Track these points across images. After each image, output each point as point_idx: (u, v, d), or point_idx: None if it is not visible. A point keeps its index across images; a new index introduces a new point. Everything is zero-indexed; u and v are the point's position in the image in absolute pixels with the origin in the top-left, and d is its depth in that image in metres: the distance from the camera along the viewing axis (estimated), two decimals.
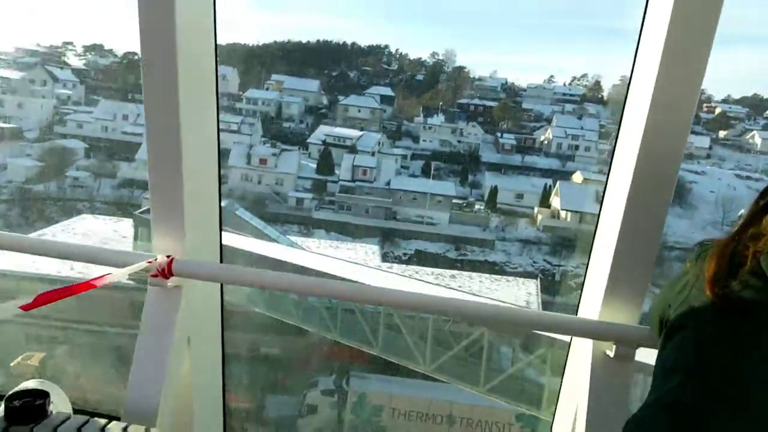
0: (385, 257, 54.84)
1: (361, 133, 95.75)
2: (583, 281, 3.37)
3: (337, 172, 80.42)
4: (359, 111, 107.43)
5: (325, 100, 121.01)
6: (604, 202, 3.34)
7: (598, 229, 3.28)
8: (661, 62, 2.45)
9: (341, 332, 27.59)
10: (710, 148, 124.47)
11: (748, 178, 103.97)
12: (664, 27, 2.46)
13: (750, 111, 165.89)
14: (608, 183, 3.32)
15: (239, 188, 75.99)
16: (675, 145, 2.58)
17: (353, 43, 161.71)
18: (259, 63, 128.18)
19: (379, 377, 31.20)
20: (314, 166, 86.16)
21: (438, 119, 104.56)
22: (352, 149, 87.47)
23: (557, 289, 64.88)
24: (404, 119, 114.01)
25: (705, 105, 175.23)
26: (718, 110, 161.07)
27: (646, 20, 2.70)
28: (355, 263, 38.07)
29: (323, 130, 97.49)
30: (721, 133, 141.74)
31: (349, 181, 76.90)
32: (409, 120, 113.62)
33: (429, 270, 40.85)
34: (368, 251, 44.32)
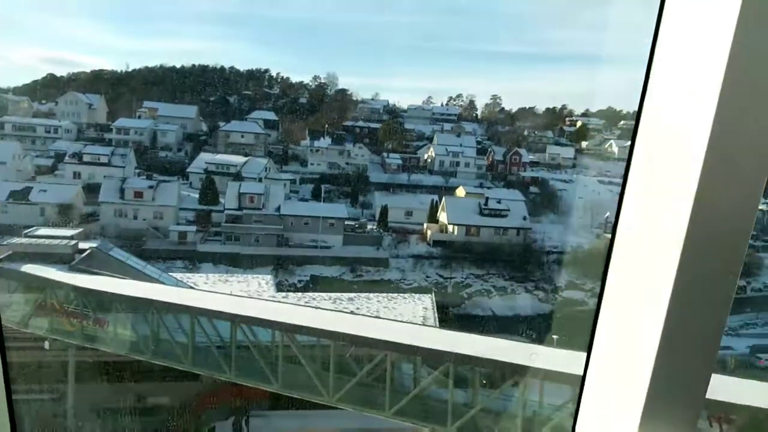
0: (279, 286, 53.26)
1: (245, 159, 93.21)
2: (579, 398, 2.27)
3: (221, 200, 78.51)
4: (242, 136, 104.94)
5: (204, 127, 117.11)
6: (608, 286, 2.13)
7: (600, 320, 2.12)
8: (721, 95, 1.64)
9: (237, 372, 26.06)
10: (575, 158, 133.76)
11: (610, 183, 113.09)
12: (722, 58, 1.64)
13: (606, 122, 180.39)
14: (616, 253, 2.13)
15: (112, 226, 71.15)
16: (744, 204, 1.72)
17: (231, 68, 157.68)
18: (129, 90, 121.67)
19: (282, 414, 29.89)
20: (196, 196, 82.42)
21: (325, 142, 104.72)
22: (237, 176, 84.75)
23: (450, 300, 66.41)
24: (290, 143, 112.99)
25: (567, 119, 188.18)
26: (579, 123, 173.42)
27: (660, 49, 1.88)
28: (247, 296, 36.62)
29: (204, 158, 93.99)
30: (584, 144, 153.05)
31: (235, 209, 74.86)
32: (296, 144, 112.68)
33: (326, 295, 40.17)
34: (261, 282, 42.81)
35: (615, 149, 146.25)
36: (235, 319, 24.97)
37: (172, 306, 26.89)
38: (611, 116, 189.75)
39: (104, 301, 27.66)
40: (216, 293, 35.38)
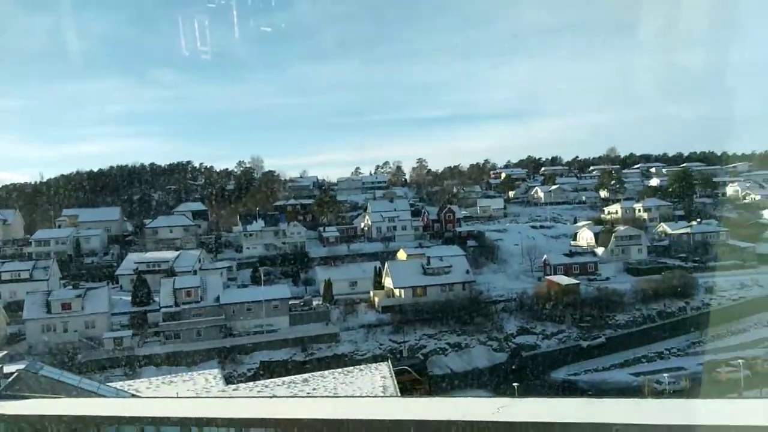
0: (228, 379, 50.82)
1: (177, 253, 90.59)
2: None
3: (156, 299, 76.39)
4: (171, 231, 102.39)
5: (129, 227, 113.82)
6: None
7: None
8: None
9: None
10: (505, 207, 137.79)
11: (542, 227, 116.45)
12: None
13: (529, 171, 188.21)
14: None
15: (41, 343, 66.54)
16: None
17: (152, 164, 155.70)
18: (46, 200, 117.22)
19: None
20: (129, 298, 79.03)
21: (258, 225, 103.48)
22: (170, 272, 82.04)
23: (408, 363, 65.01)
24: (222, 231, 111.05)
25: (492, 171, 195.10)
26: (503, 174, 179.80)
27: None
28: (195, 395, 34.50)
29: (133, 258, 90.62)
30: (511, 193, 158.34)
31: (172, 306, 71.97)
32: (228, 231, 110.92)
33: (279, 380, 38.39)
34: (208, 377, 40.54)
35: (541, 195, 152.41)
36: (184, 423, 23.29)
37: (114, 419, 24.88)
38: (531, 164, 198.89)
39: (37, 428, 25.28)
40: (161, 397, 33.12)
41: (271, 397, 32.34)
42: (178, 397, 31.65)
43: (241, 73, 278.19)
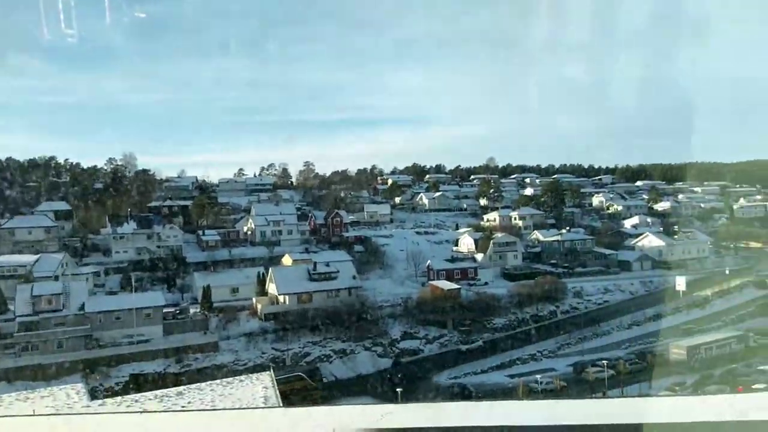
0: (94, 393, 46.80)
1: (36, 256, 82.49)
2: None
3: (11, 307, 69.28)
4: (30, 233, 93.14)
5: None
6: None
7: None
8: None
9: None
10: (391, 213, 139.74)
11: (426, 233, 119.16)
12: None
13: (414, 178, 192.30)
14: None
15: None
16: None
17: (9, 158, 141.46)
18: None
19: None
20: None
21: (129, 227, 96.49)
22: (28, 278, 74.60)
23: (292, 370, 63.38)
24: (89, 233, 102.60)
25: (379, 177, 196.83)
26: (390, 181, 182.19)
27: None
28: (55, 412, 31.13)
29: None
30: (397, 199, 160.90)
31: (29, 315, 65.37)
32: (95, 233, 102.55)
33: (150, 394, 35.74)
34: (71, 392, 36.93)
35: (425, 201, 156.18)
36: None
37: None
38: (417, 172, 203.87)
39: None
40: (15, 416, 29.43)
41: (141, 412, 29.90)
42: (34, 415, 28.39)
43: (114, 63, 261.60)
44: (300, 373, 58.31)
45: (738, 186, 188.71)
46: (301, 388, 55.55)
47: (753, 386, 50.05)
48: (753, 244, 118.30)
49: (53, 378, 55.79)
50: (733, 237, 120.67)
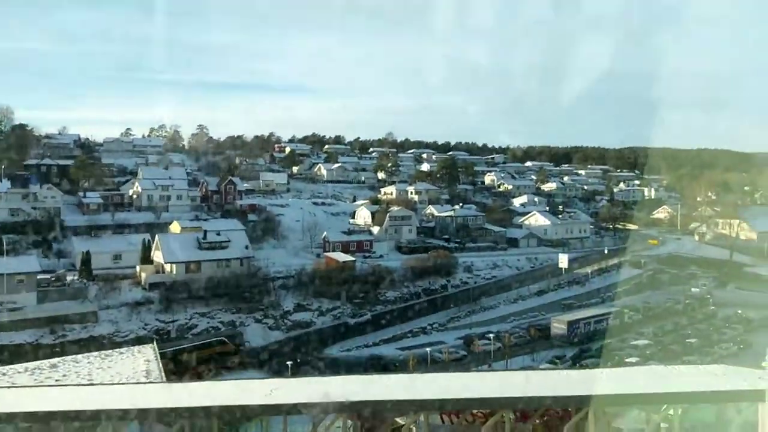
0: None
1: None
2: None
3: None
4: None
5: None
6: None
7: None
8: None
9: None
10: (288, 182, 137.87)
11: (323, 204, 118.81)
12: None
13: (313, 148, 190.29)
14: None
15: None
16: None
17: None
18: None
19: None
20: None
21: (3, 185, 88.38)
22: None
23: (177, 345, 61.41)
24: None
25: (276, 145, 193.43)
26: (288, 149, 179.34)
27: None
28: None
29: None
30: (295, 169, 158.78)
31: None
32: None
33: (20, 366, 33.28)
34: None
35: (324, 172, 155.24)
36: None
37: None
38: (316, 141, 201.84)
39: None
40: None
41: (9, 386, 27.71)
42: None
43: None
44: (223, 338, 60.22)
45: (618, 171, 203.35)
46: (221, 352, 57.61)
47: (626, 360, 54.37)
48: (630, 226, 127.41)
49: None
50: (612, 218, 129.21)
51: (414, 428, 17.85)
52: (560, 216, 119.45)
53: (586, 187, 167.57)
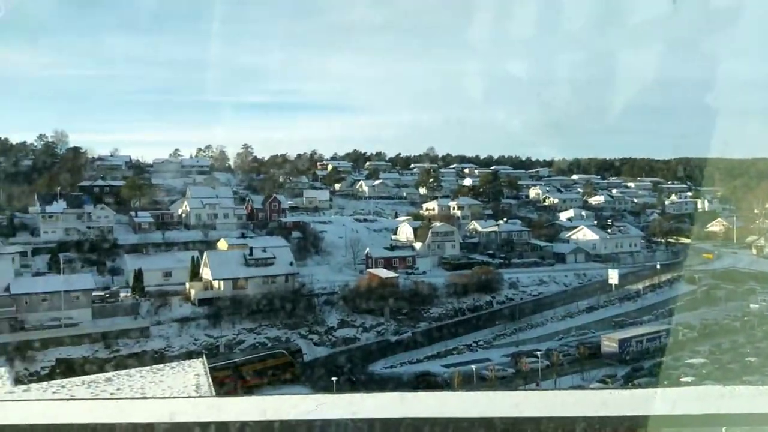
0: (19, 379, 44.83)
1: None
2: None
3: None
4: None
5: None
6: None
7: None
8: None
9: None
10: (331, 199, 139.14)
11: (365, 220, 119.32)
12: None
13: (355, 164, 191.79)
14: None
15: None
16: None
17: None
18: None
19: None
20: None
21: (59, 206, 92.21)
22: None
23: (222, 358, 62.51)
24: (16, 211, 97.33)
25: (318, 163, 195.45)
26: (330, 166, 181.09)
27: None
28: None
29: None
30: (337, 186, 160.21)
31: None
32: (23, 211, 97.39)
33: (78, 380, 34.56)
34: None
35: (365, 188, 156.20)
36: None
37: None
38: (357, 158, 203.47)
39: None
40: None
41: (68, 399, 28.77)
42: None
43: (44, 37, 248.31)
44: (283, 350, 62.15)
45: (670, 183, 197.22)
46: (280, 364, 59.42)
47: (681, 379, 52.57)
48: (683, 240, 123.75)
49: None
50: (664, 232, 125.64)
51: None
52: (609, 230, 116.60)
53: (635, 200, 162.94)
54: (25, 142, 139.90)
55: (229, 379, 53.80)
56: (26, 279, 69.88)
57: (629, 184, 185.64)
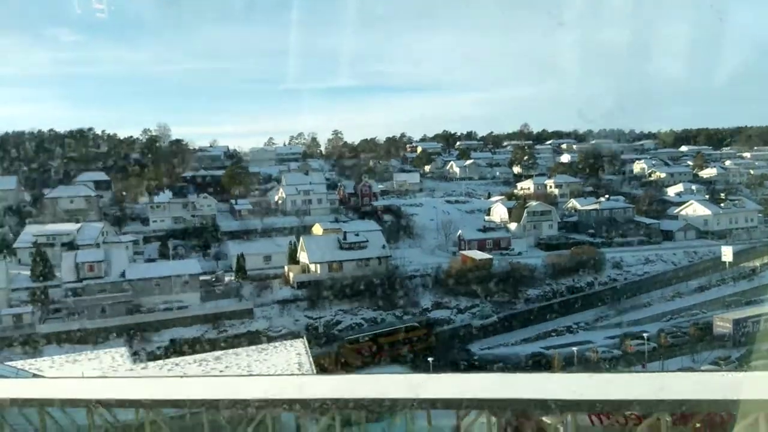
0: (137, 357, 48.39)
1: (78, 225, 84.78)
2: None
3: (58, 274, 71.35)
4: (72, 202, 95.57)
5: (27, 197, 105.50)
6: None
7: None
8: None
9: None
10: (421, 182, 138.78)
11: (456, 202, 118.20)
12: None
13: (444, 145, 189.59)
14: None
15: None
16: None
17: (51, 130, 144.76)
18: None
19: None
20: (28, 273, 73.39)
21: (165, 196, 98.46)
22: (71, 245, 76.91)
23: (324, 341, 64.55)
24: (127, 202, 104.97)
25: (408, 145, 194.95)
26: (419, 149, 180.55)
27: None
28: (101, 375, 32.25)
29: (31, 230, 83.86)
30: (427, 168, 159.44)
31: (75, 281, 67.68)
32: (133, 202, 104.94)
33: (190, 358, 36.75)
34: (115, 356, 38.31)
35: (456, 169, 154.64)
36: (90, 404, 21.41)
37: (15, 401, 22.65)
38: (447, 138, 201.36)
39: None
40: (65, 377, 30.94)
41: (182, 376, 30.66)
42: (84, 377, 29.34)
43: (144, 35, 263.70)
44: (416, 323, 65.98)
45: None
46: (419, 335, 63.54)
47: None
48: None
49: (98, 342, 58.01)
50: None
51: (561, 428, 17.29)
52: (722, 204, 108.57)
53: (752, 172, 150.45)
54: (131, 136, 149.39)
55: (367, 351, 60.10)
56: (139, 265, 75.05)
57: (745, 155, 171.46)
